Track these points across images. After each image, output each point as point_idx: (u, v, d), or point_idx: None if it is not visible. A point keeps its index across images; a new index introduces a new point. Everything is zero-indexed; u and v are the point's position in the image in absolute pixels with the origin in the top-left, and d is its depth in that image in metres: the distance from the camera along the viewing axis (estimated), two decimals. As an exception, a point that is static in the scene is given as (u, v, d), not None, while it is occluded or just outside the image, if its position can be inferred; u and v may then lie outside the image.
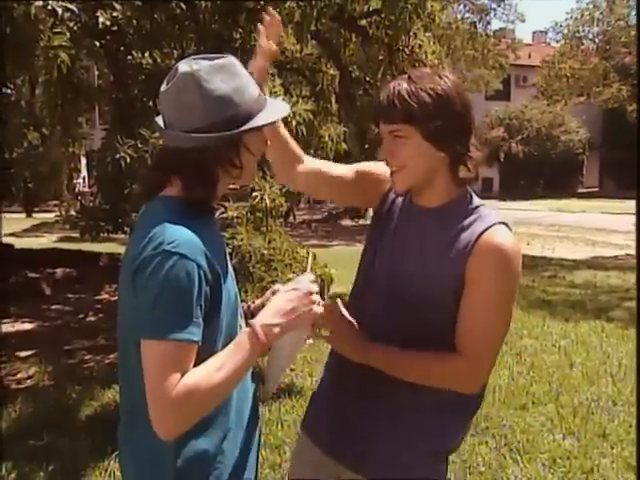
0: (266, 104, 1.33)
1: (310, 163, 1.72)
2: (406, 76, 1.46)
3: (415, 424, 1.52)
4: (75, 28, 3.97)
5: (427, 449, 1.54)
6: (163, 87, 1.28)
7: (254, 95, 1.30)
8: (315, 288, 1.34)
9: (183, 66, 1.26)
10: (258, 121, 1.28)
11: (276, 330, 1.27)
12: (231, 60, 1.29)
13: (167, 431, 1.19)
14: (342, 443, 1.58)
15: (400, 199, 1.62)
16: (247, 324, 1.28)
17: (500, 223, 1.46)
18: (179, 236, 1.19)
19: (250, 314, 1.46)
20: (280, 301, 1.31)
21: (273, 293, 1.43)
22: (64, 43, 3.60)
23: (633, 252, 11.25)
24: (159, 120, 1.31)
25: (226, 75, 1.26)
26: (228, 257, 1.42)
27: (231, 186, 1.38)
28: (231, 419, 1.35)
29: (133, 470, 1.36)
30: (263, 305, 1.38)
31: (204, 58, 1.28)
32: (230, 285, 1.35)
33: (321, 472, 1.63)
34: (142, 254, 1.19)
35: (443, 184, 1.49)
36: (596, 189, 30.54)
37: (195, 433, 1.26)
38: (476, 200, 1.52)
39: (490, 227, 1.44)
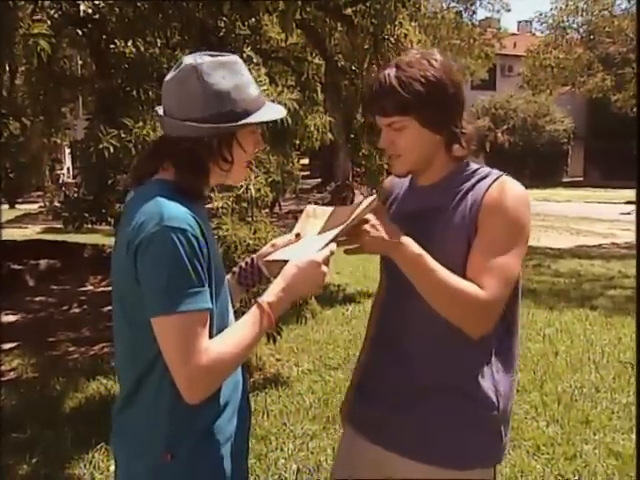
0: (264, 106, 1.38)
1: None
2: (394, 64, 1.45)
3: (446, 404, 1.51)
4: (56, 16, 3.92)
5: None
6: (168, 77, 1.34)
7: (253, 95, 1.35)
8: (332, 247, 1.36)
9: (188, 59, 1.32)
10: (253, 119, 1.34)
11: (282, 305, 1.33)
12: (234, 59, 1.35)
13: (197, 395, 1.25)
14: (387, 427, 1.56)
15: (398, 190, 1.66)
16: (256, 301, 1.32)
17: (502, 176, 1.49)
18: (176, 211, 1.23)
19: (250, 268, 1.59)
20: (290, 277, 1.33)
21: (273, 246, 1.54)
22: (44, 31, 3.54)
23: (617, 241, 11.37)
24: (159, 109, 1.37)
25: (227, 72, 1.32)
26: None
27: (221, 184, 1.43)
28: (223, 405, 1.36)
29: (126, 447, 1.37)
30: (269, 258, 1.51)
31: (210, 55, 1.33)
32: (219, 262, 1.39)
33: (371, 461, 1.60)
34: (141, 233, 1.22)
35: (442, 162, 1.52)
36: (580, 178, 30.75)
37: (190, 413, 1.29)
38: (473, 165, 1.55)
39: (495, 181, 1.47)
